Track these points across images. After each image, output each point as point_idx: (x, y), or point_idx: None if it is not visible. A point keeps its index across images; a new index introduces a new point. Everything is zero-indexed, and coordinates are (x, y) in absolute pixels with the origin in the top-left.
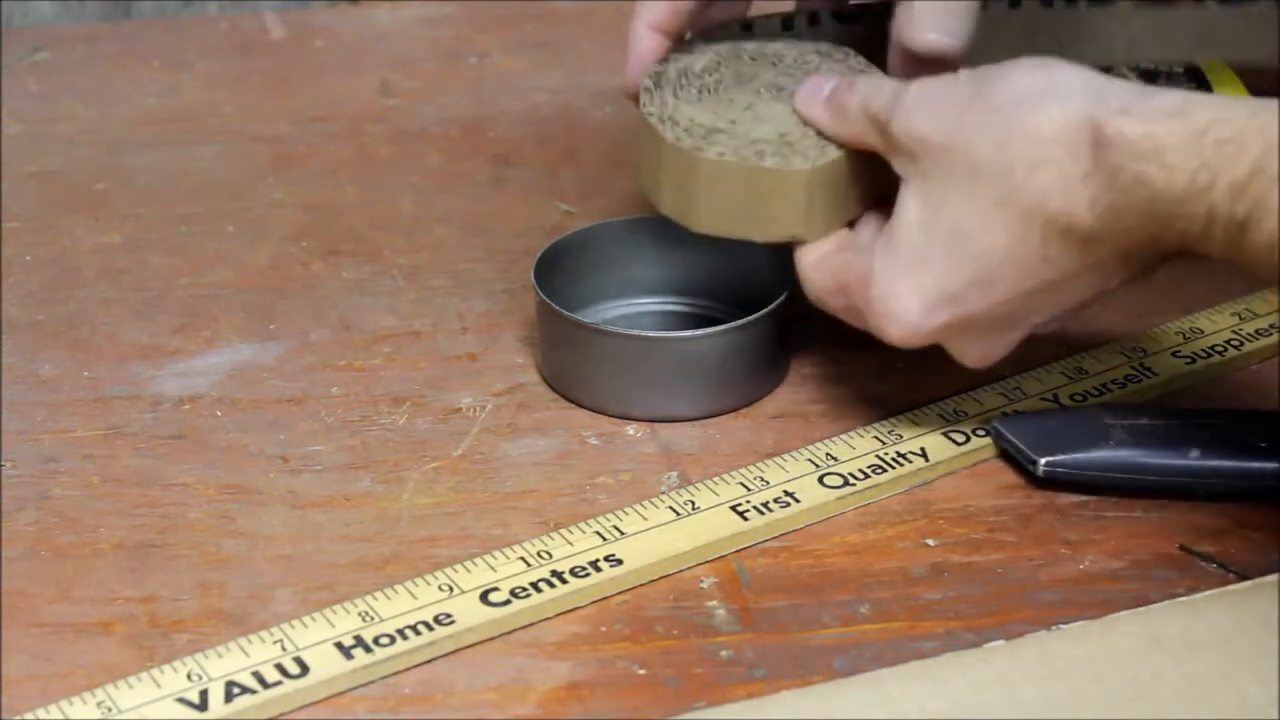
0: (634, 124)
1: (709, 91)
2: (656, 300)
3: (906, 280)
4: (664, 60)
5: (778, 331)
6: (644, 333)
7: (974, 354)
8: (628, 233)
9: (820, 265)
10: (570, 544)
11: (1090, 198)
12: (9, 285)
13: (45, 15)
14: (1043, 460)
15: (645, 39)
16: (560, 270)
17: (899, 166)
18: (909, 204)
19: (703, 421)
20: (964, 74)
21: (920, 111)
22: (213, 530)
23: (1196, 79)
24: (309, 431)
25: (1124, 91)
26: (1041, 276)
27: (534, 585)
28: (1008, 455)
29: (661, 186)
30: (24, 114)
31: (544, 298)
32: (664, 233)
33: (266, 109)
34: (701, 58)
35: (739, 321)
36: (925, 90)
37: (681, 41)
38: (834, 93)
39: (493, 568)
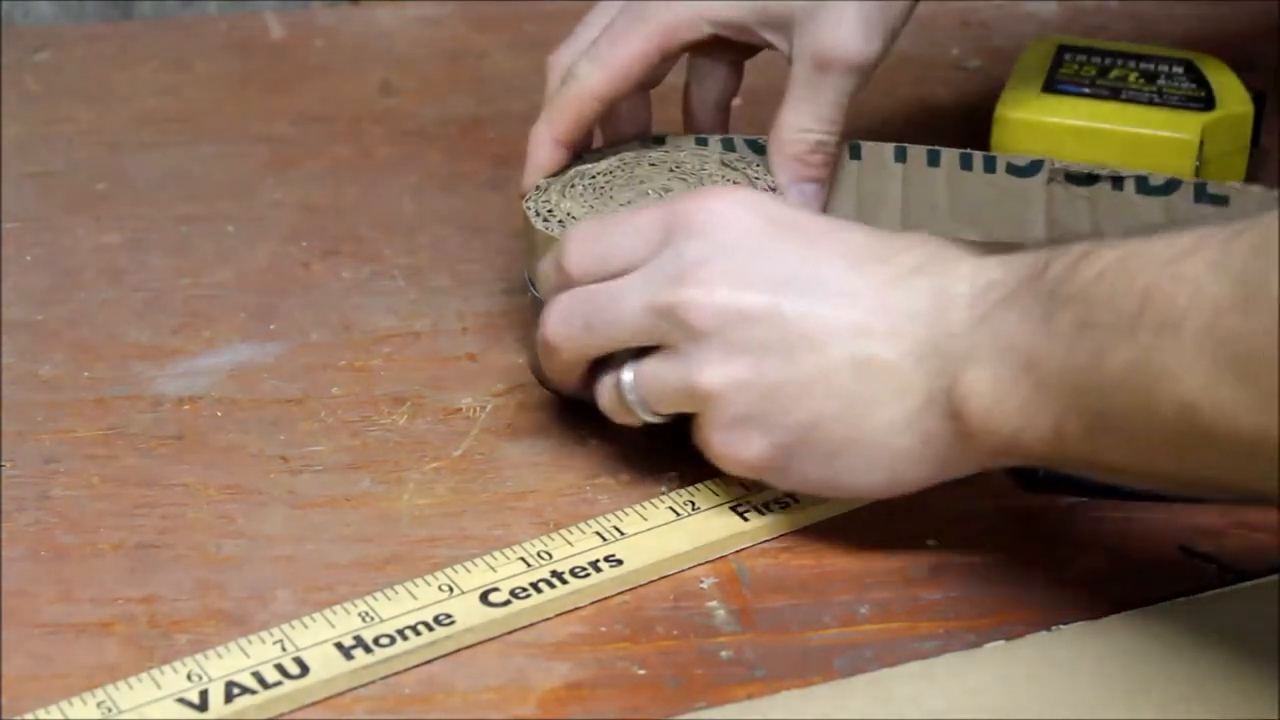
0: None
1: (595, 191)
2: None
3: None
4: (567, 166)
5: None
6: None
7: (720, 433)
8: None
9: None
10: (570, 544)
11: (931, 374)
12: (9, 285)
13: (45, 15)
14: (1041, 468)
15: (544, 149)
16: None
17: None
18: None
19: None
20: None
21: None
22: (213, 530)
23: (1195, 77)
24: (309, 432)
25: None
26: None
27: (534, 585)
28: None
29: (535, 272)
30: (24, 114)
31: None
32: None
33: (266, 109)
34: (604, 163)
35: None
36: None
37: (587, 151)
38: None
39: (493, 568)
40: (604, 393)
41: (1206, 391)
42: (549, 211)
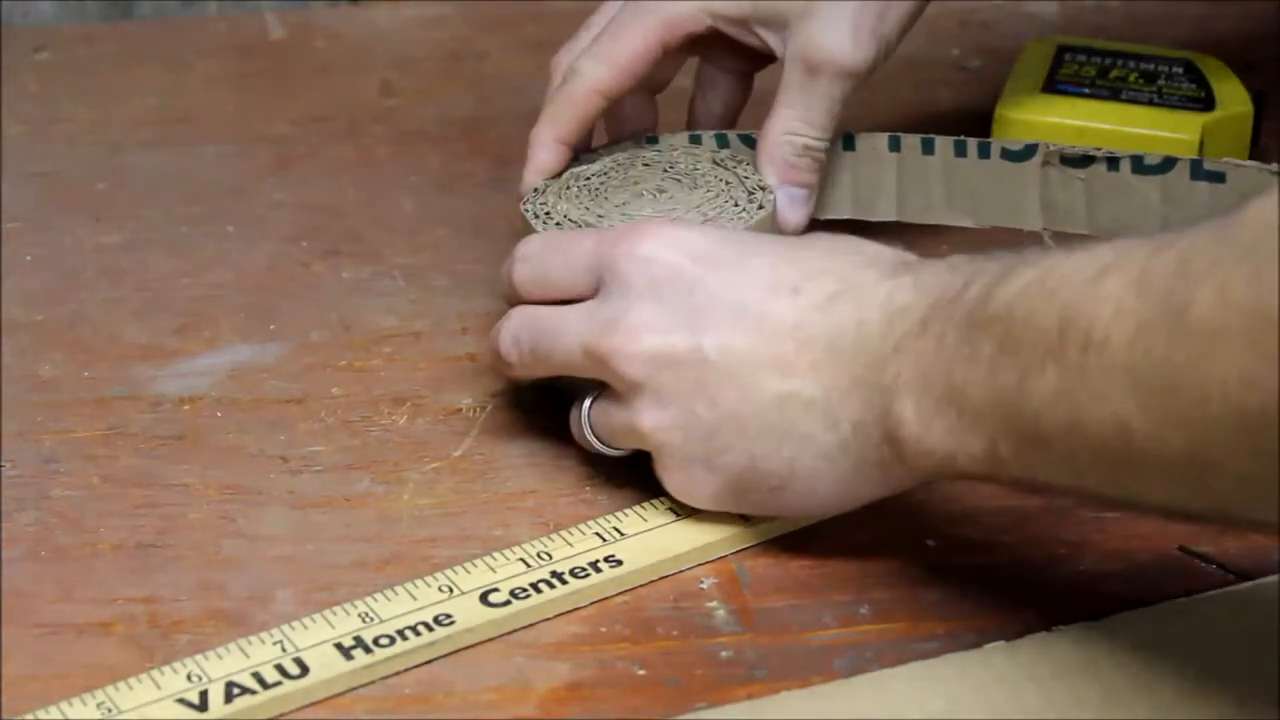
0: None
1: (591, 192)
2: None
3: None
4: (564, 168)
5: None
6: None
7: (673, 473)
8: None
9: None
10: (570, 545)
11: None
12: (9, 285)
13: (45, 15)
14: None
15: (546, 150)
16: None
17: None
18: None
19: None
20: None
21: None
22: (213, 530)
23: (1195, 77)
24: (309, 432)
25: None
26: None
27: (534, 586)
28: None
29: None
30: (24, 114)
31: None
32: None
33: (266, 109)
34: (598, 164)
35: None
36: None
37: (584, 151)
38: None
39: (492, 569)
40: (572, 424)
41: (1137, 412)
42: (546, 214)
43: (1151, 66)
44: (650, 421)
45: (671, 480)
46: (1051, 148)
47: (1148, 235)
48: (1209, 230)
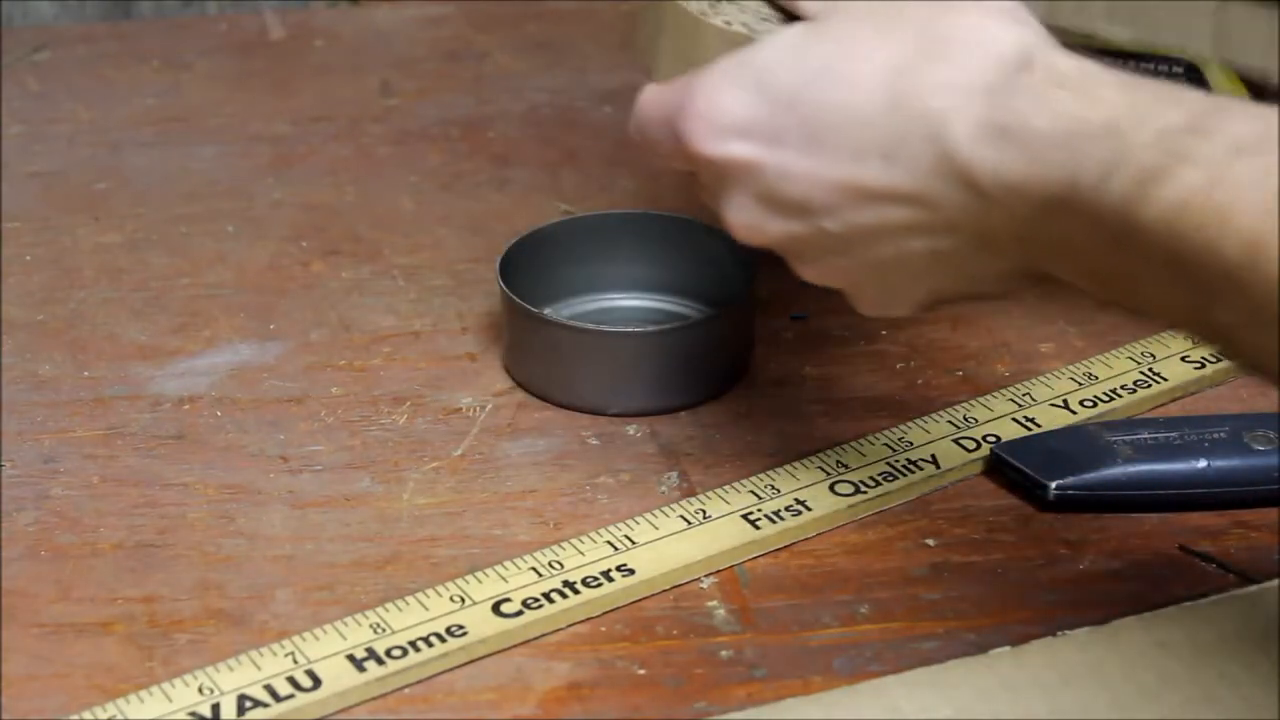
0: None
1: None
2: (625, 296)
3: (736, 87)
4: None
5: (721, 335)
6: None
7: (815, 268)
8: (604, 227)
9: (659, 91)
10: (582, 554)
11: (978, 113)
12: (9, 285)
13: (45, 15)
14: (1053, 484)
15: None
16: (539, 262)
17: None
18: (785, 32)
19: (703, 421)
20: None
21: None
22: (213, 530)
23: (1196, 79)
24: (309, 431)
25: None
26: (865, 178)
27: (546, 596)
28: (1009, 480)
29: (660, 53)
30: (24, 114)
31: (505, 289)
32: (637, 228)
33: (266, 109)
34: None
35: (652, 328)
36: None
37: None
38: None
39: (504, 578)
40: None
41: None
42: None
43: (1151, 66)
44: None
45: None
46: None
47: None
48: None
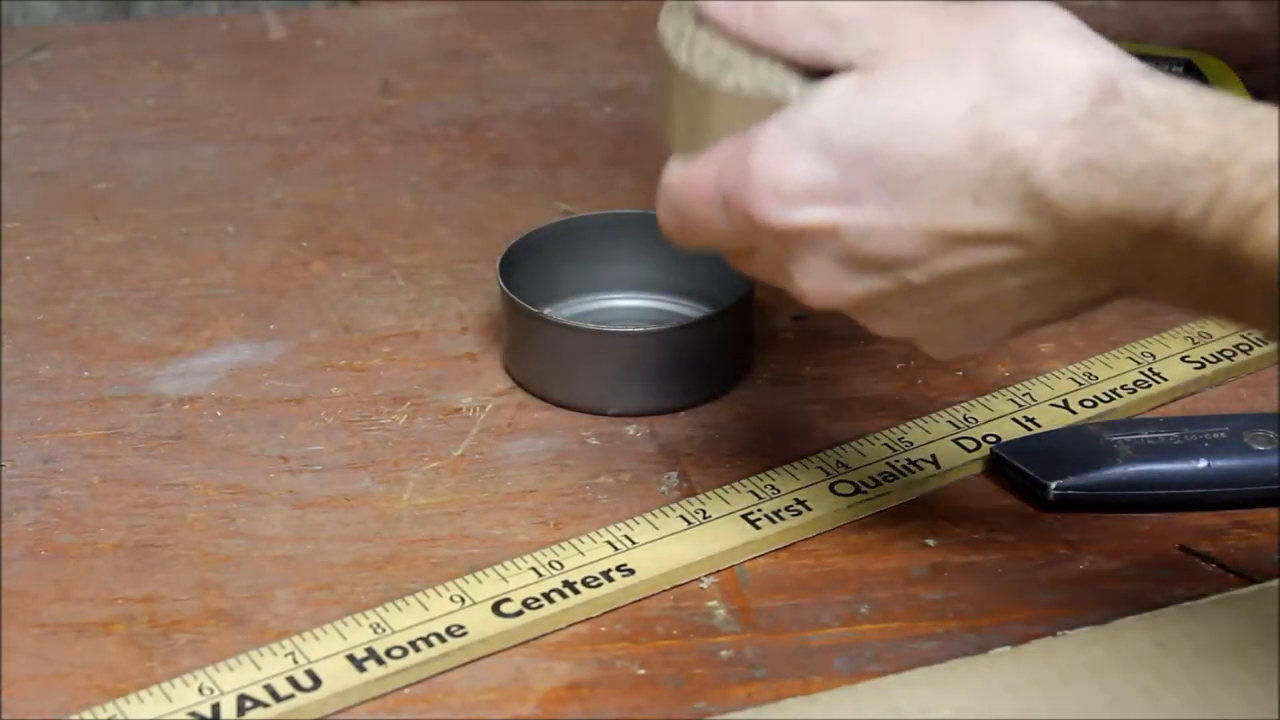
0: (632, 123)
1: None
2: (625, 296)
3: (797, 152)
4: None
5: (715, 337)
6: (585, 325)
7: (893, 323)
8: (604, 227)
9: (695, 169)
10: (582, 554)
11: (1065, 147)
12: (9, 285)
13: (45, 15)
14: (1053, 484)
15: None
16: (539, 262)
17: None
18: (833, 86)
19: (703, 421)
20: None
21: (903, 17)
22: (213, 530)
23: (1196, 78)
24: (309, 431)
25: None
26: (958, 224)
27: (546, 596)
28: (1009, 479)
29: (674, 119)
30: (24, 114)
31: (505, 289)
32: (635, 229)
33: (266, 109)
34: None
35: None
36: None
37: None
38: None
39: (504, 578)
40: None
41: None
42: (687, 40)
43: (1151, 66)
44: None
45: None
46: None
47: None
48: None
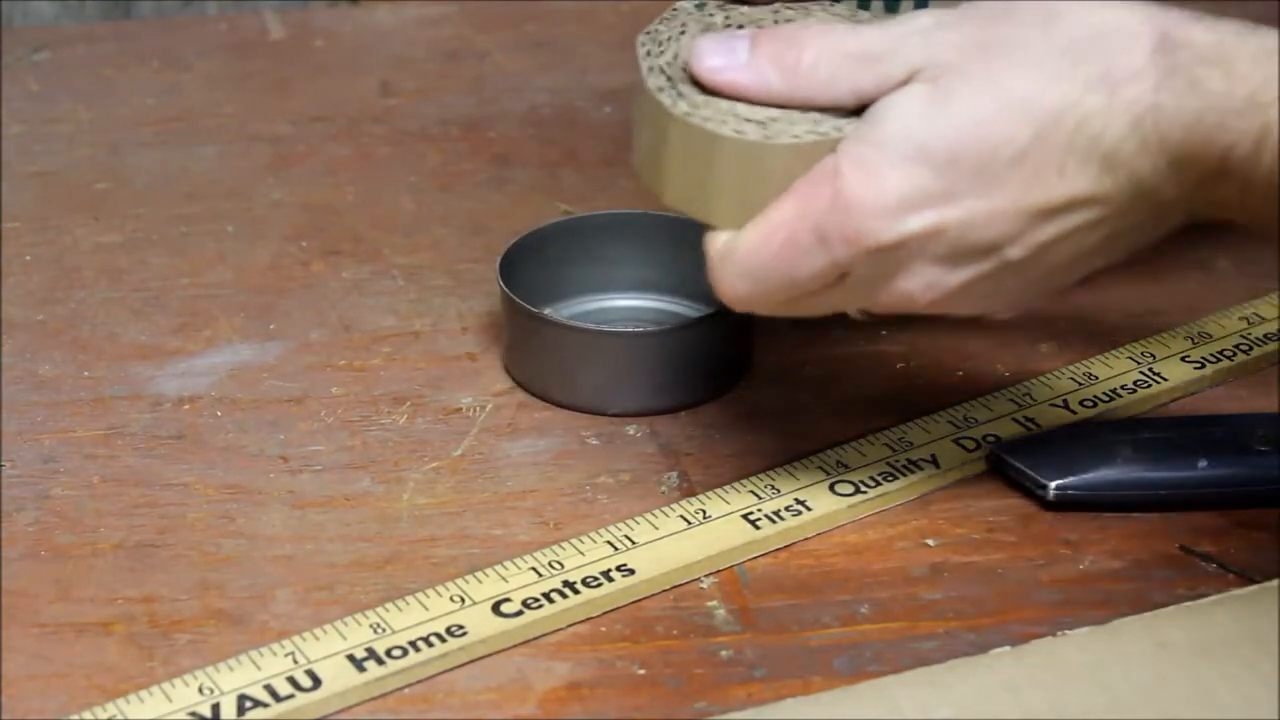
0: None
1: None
2: (625, 296)
3: (887, 168)
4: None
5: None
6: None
7: (980, 300)
8: (606, 226)
9: (765, 225)
10: (582, 554)
11: (1131, 99)
12: (9, 285)
13: (45, 15)
14: (1053, 484)
15: None
16: (539, 262)
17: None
18: (901, 99)
19: (703, 421)
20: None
21: (940, 35)
22: (213, 530)
23: None
24: (309, 431)
25: (1184, 10)
26: (1047, 194)
27: (546, 596)
28: (1009, 479)
29: (712, 191)
30: (24, 114)
31: (505, 289)
32: (634, 228)
33: (266, 109)
34: (722, 13)
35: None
36: (937, 18)
37: None
38: (767, 52)
39: (504, 578)
40: None
41: None
42: (675, 85)
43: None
44: None
45: None
46: None
47: None
48: None
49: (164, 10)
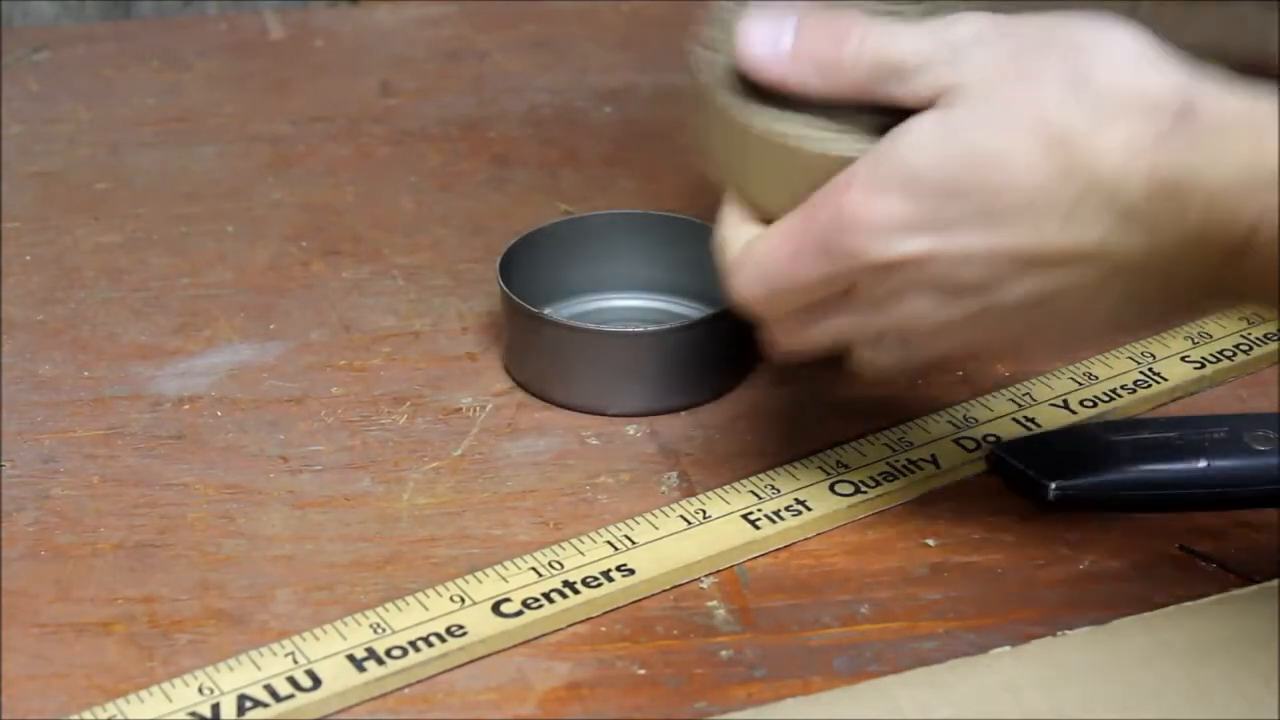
0: (632, 123)
1: None
2: (625, 296)
3: (888, 190)
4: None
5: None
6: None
7: (984, 338)
8: (607, 226)
9: (781, 230)
10: (582, 554)
11: (1152, 164)
12: (9, 285)
13: (45, 15)
14: (1053, 484)
15: None
16: (539, 262)
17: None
18: (916, 124)
19: (703, 421)
20: (1017, 19)
21: (974, 54)
22: (213, 530)
23: None
24: (309, 431)
25: (1211, 75)
26: (1051, 245)
27: (546, 596)
28: (1009, 479)
29: (748, 177)
30: (24, 114)
31: (505, 289)
32: (634, 227)
33: (266, 109)
34: None
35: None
36: (978, 30)
37: None
38: (809, 48)
39: (504, 578)
40: None
41: None
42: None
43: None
44: None
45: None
46: None
47: None
48: None
49: (164, 10)
